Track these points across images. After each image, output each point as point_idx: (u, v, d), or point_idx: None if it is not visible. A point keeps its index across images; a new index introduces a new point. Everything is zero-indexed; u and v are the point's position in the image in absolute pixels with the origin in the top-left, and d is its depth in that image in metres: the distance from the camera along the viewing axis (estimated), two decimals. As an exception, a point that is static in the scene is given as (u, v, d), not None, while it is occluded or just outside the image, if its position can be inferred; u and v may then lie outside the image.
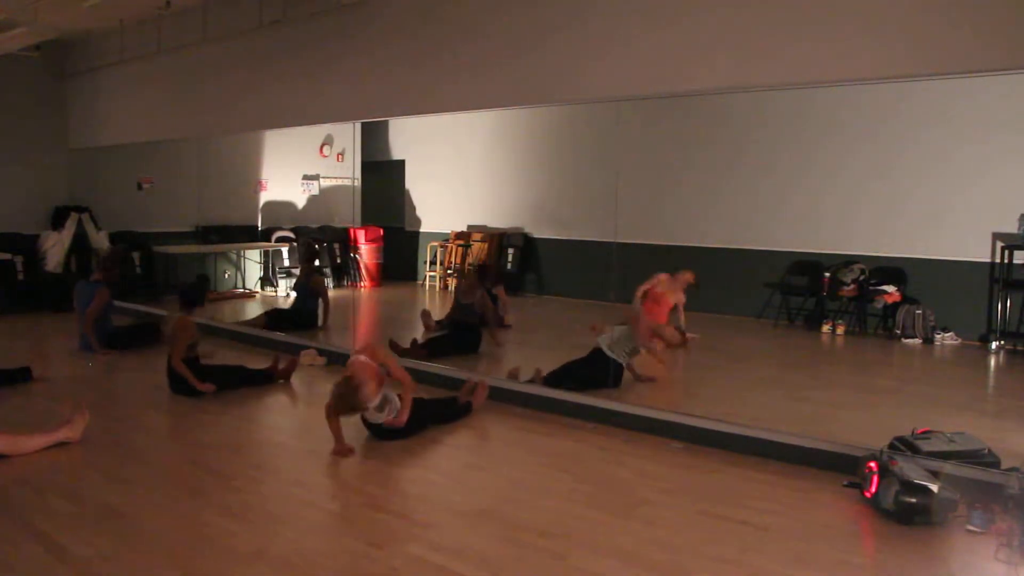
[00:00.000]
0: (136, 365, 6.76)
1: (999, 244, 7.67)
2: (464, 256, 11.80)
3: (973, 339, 7.85)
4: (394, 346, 6.87)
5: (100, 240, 10.11)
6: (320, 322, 8.43)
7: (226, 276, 11.43)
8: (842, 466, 4.14)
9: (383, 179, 13.25)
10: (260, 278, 11.58)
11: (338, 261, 12.24)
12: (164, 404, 5.57)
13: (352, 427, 4.67)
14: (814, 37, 4.31)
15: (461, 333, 7.29)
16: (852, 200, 8.70)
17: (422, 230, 12.92)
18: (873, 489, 3.72)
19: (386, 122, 13.00)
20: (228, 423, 5.19)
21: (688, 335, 6.19)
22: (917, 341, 7.94)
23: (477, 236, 11.80)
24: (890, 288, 8.26)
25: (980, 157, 7.86)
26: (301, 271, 9.07)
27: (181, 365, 5.60)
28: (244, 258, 11.54)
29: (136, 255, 10.55)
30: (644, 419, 5.02)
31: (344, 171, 12.65)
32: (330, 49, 6.97)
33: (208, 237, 11.21)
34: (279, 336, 7.67)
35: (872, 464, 3.79)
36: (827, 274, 8.59)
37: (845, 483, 4.00)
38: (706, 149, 9.79)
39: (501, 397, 5.56)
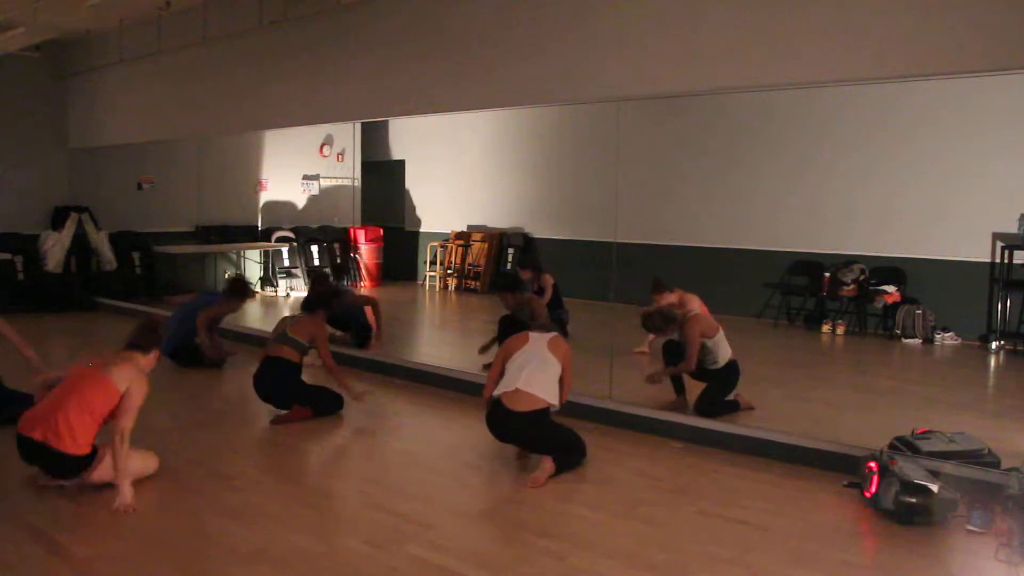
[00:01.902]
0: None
1: (999, 244, 7.67)
2: (464, 256, 11.81)
3: (973, 339, 7.85)
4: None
5: (100, 240, 10.11)
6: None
7: (226, 276, 11.43)
8: (842, 466, 4.14)
9: (383, 179, 13.24)
10: (260, 278, 11.57)
11: (338, 261, 12.25)
12: (165, 404, 5.56)
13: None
14: (814, 38, 4.31)
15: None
16: (852, 200, 8.69)
17: (422, 230, 12.92)
18: (873, 489, 3.72)
19: (386, 122, 13.00)
20: (228, 423, 5.19)
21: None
22: (917, 341, 7.94)
23: (477, 236, 11.80)
24: (890, 288, 8.26)
25: (980, 157, 7.85)
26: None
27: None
28: (244, 258, 11.53)
29: (136, 255, 10.56)
30: (644, 419, 5.02)
31: (344, 171, 12.63)
32: (330, 49, 6.97)
33: (208, 237, 11.20)
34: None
35: (872, 464, 3.79)
36: (827, 274, 8.59)
37: (845, 483, 4.00)
38: (706, 149, 9.79)
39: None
